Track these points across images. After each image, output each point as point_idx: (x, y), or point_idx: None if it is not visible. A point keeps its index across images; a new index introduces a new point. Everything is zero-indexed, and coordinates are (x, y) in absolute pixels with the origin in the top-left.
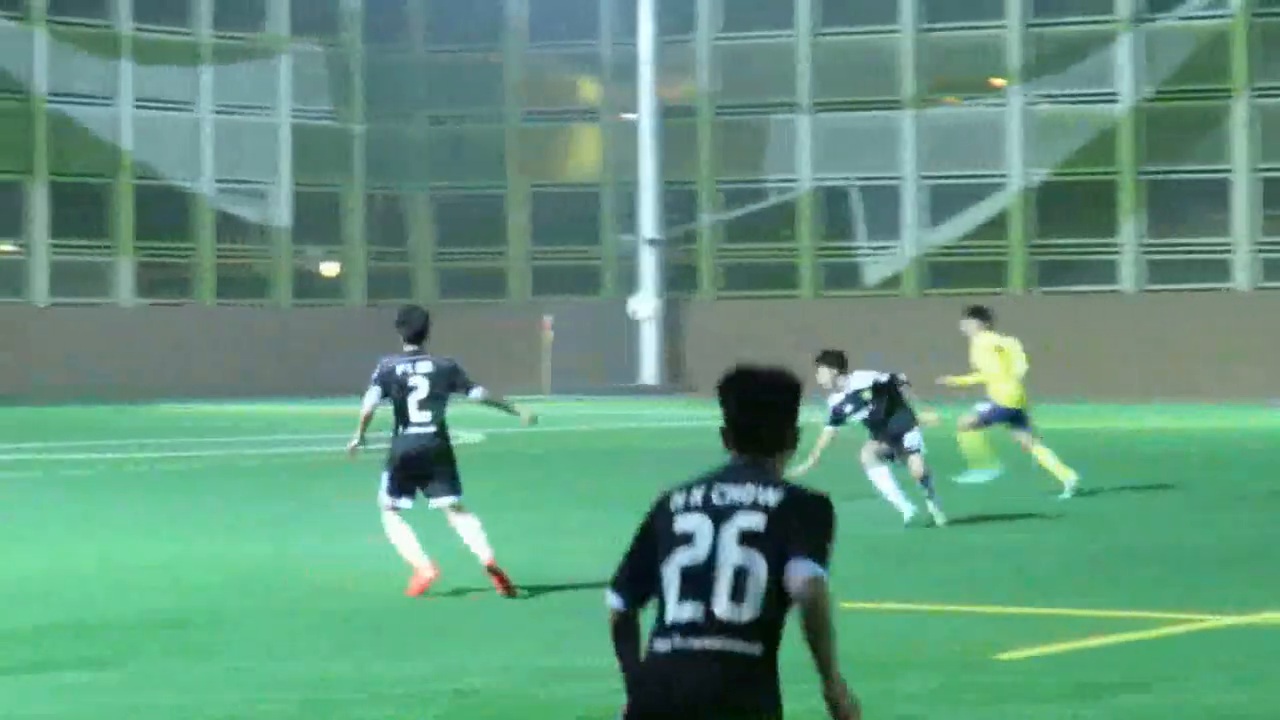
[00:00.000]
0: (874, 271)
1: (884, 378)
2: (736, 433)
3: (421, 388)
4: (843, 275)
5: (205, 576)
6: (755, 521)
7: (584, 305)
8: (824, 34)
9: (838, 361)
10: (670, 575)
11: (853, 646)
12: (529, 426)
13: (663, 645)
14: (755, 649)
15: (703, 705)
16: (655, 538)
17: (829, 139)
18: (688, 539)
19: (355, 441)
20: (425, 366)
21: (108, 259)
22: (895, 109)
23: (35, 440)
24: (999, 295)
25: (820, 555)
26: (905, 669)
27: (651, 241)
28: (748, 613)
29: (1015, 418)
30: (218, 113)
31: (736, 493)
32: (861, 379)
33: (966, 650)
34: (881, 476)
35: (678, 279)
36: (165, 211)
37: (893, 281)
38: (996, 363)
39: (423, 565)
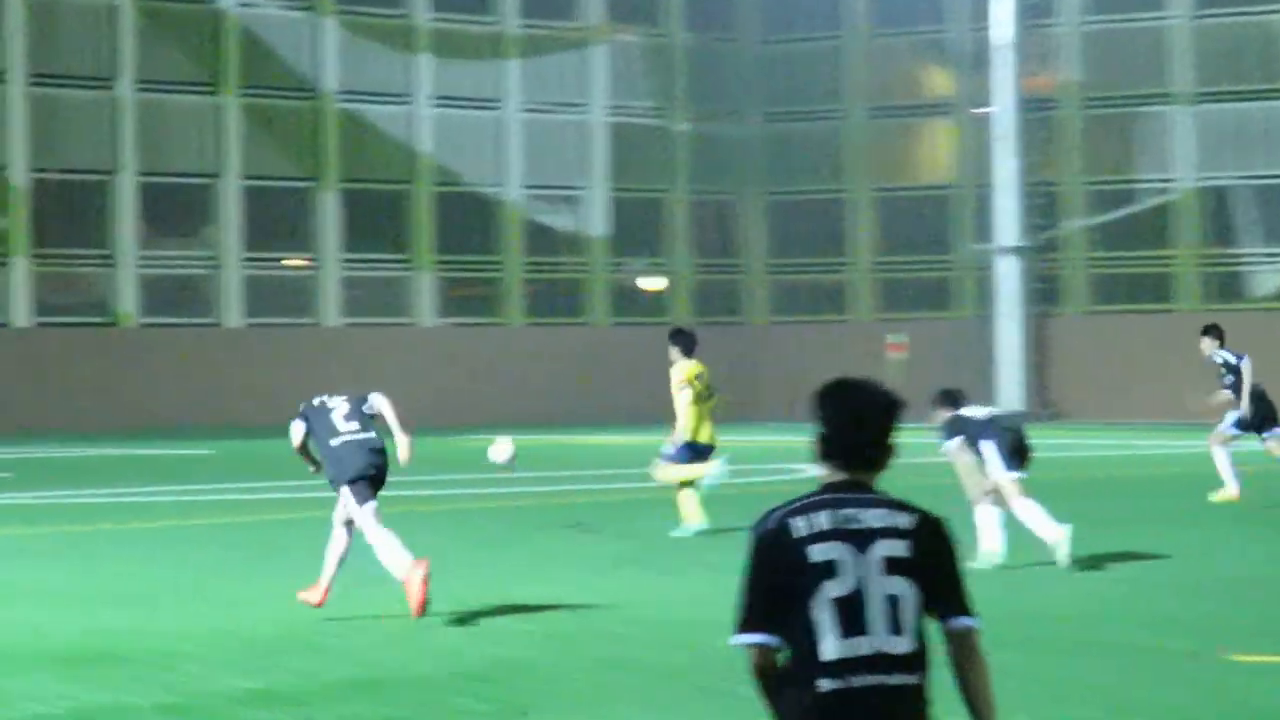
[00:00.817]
0: (1265, 281)
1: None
2: (844, 448)
3: (340, 406)
4: (1228, 286)
5: (512, 625)
6: (897, 548)
7: (935, 322)
8: (1204, 15)
9: (953, 401)
10: (821, 609)
11: (1243, 703)
12: (401, 463)
13: (832, 684)
14: (922, 680)
15: None
16: (782, 570)
17: (1211, 133)
18: (831, 570)
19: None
20: (341, 395)
21: (405, 274)
22: None
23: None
24: None
25: (969, 601)
26: None
27: (1016, 250)
28: (908, 644)
29: (703, 454)
30: (526, 111)
31: (867, 517)
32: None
33: None
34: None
35: (1041, 292)
36: (468, 221)
37: None
38: (692, 394)
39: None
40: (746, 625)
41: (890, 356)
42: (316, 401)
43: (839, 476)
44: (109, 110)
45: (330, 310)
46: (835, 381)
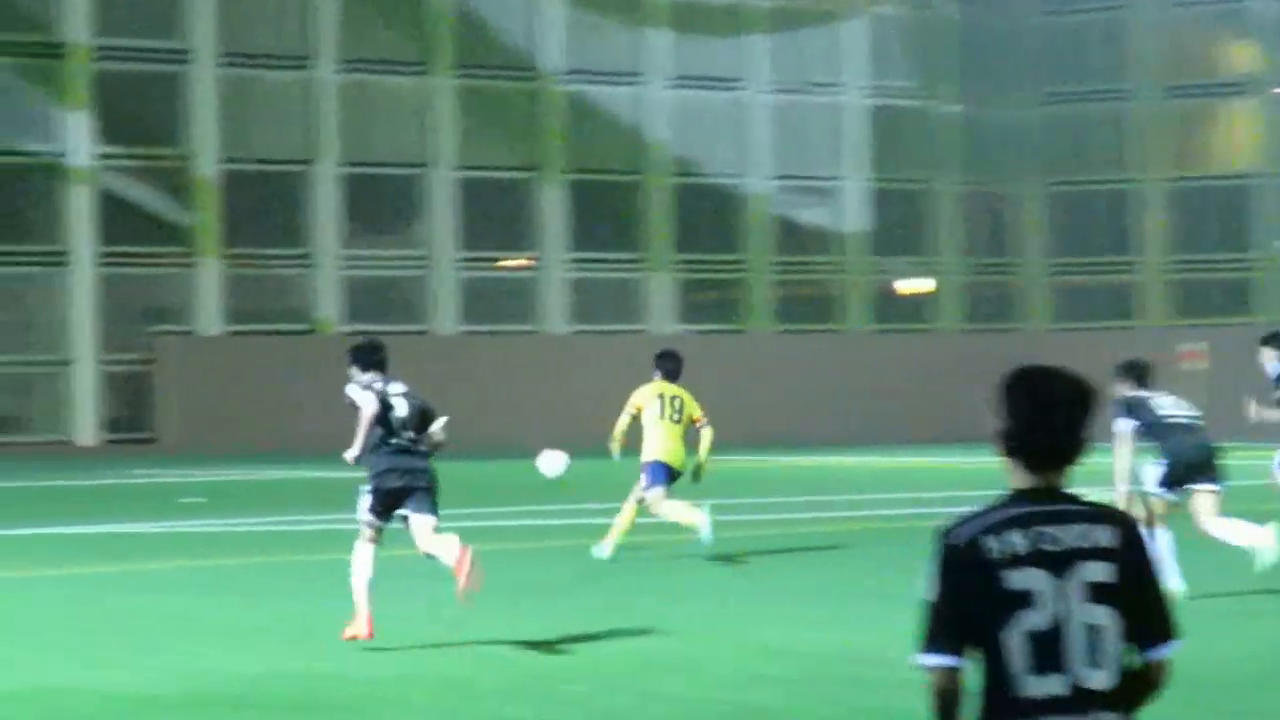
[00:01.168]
0: None
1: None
2: (1031, 445)
3: (400, 406)
4: None
5: (752, 669)
6: (1099, 572)
7: (1236, 328)
8: None
9: (1137, 375)
10: (1014, 642)
11: None
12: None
13: None
14: (1125, 717)
15: None
16: (972, 594)
17: None
18: (1027, 599)
19: (355, 452)
20: (398, 388)
21: (638, 275)
22: None
23: (562, 501)
24: None
25: (1174, 621)
26: None
27: None
28: (1109, 679)
29: (674, 476)
30: (774, 92)
31: (1066, 536)
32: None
33: None
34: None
35: None
36: (709, 216)
37: None
38: (658, 412)
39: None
40: (931, 644)
41: (1185, 366)
42: (378, 386)
43: (1027, 481)
44: (307, 93)
45: (554, 315)
46: (1020, 370)
